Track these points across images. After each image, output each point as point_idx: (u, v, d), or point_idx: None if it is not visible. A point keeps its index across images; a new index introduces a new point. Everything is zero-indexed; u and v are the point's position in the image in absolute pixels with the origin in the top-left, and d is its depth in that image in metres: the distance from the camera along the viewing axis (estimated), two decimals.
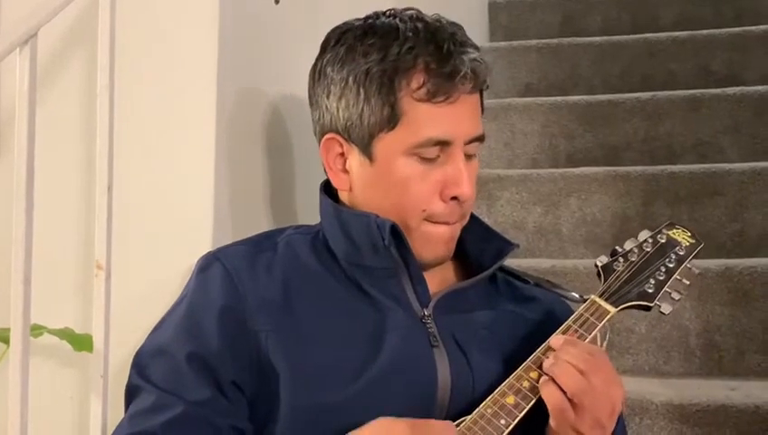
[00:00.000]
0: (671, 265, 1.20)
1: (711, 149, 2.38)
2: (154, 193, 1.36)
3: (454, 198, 1.12)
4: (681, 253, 1.21)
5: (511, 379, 1.06)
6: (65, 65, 1.41)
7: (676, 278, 1.19)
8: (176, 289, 1.19)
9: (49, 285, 1.27)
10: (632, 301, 1.17)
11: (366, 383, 1.06)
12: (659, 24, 3.04)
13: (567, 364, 1.03)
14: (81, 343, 1.25)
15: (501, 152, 2.49)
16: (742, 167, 2.14)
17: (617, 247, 1.22)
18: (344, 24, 1.18)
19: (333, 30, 1.18)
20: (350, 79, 1.11)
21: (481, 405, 1.04)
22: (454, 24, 1.15)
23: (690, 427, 1.57)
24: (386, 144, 1.11)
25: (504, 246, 1.20)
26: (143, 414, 1.05)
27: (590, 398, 1.02)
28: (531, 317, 1.20)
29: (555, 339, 1.09)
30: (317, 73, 1.17)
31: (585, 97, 2.55)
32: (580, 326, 1.12)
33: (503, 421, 1.02)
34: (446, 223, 1.14)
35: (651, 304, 1.17)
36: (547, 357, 1.06)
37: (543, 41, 2.93)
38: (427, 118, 1.09)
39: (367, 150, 1.12)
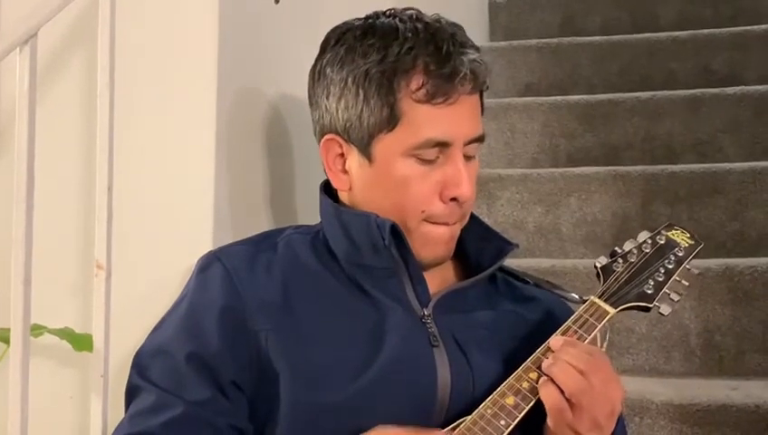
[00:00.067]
0: (670, 267, 1.20)
1: (711, 149, 2.38)
2: (154, 193, 1.36)
3: (453, 198, 1.11)
4: (680, 254, 1.21)
5: (510, 379, 1.06)
6: (65, 65, 1.41)
7: (676, 279, 1.19)
8: (176, 289, 1.19)
9: (49, 285, 1.28)
10: (631, 302, 1.16)
11: (366, 383, 1.06)
12: (659, 23, 3.04)
13: (566, 364, 1.03)
14: (82, 342, 1.25)
15: (501, 152, 2.48)
16: (742, 166, 2.13)
17: (616, 248, 1.22)
18: (344, 23, 1.18)
19: (333, 30, 1.18)
20: (350, 80, 1.11)
21: (480, 406, 1.04)
22: (454, 24, 1.14)
23: (690, 427, 1.57)
24: (385, 145, 1.11)
25: (504, 246, 1.20)
26: (143, 414, 1.06)
27: (589, 398, 1.02)
28: (530, 317, 1.20)
29: (555, 340, 1.08)
30: (317, 74, 1.17)
31: (585, 97, 2.55)
32: (580, 327, 1.12)
33: (502, 422, 1.02)
34: (446, 223, 1.13)
35: (650, 305, 1.17)
36: (546, 358, 1.06)
37: (543, 41, 2.92)
38: (427, 119, 1.09)
39: (366, 151, 1.12)
